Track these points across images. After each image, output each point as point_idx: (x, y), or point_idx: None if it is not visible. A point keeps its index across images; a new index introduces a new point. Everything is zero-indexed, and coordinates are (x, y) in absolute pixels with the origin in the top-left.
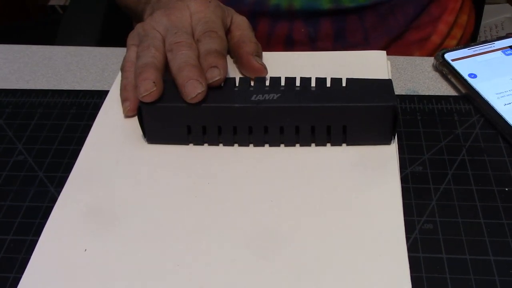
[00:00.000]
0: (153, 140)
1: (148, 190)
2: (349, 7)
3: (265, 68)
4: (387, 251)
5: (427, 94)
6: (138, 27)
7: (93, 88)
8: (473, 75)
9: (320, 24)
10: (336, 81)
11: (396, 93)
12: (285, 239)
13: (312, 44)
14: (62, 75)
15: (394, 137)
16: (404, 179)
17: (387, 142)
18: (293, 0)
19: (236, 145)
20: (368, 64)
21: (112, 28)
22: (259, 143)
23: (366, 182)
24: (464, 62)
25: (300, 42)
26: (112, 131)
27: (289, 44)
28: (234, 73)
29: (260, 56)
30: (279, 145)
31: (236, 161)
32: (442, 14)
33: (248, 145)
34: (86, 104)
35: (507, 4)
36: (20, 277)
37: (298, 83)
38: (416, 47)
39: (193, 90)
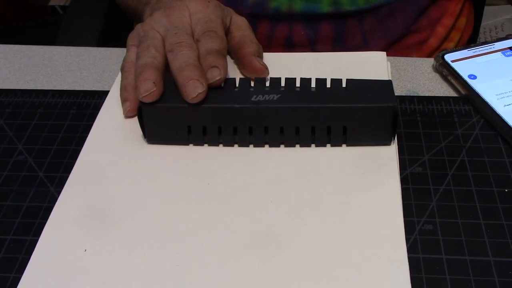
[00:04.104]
0: (153, 141)
1: (148, 190)
2: (348, 11)
3: (267, 69)
4: (386, 252)
5: (427, 95)
6: (138, 28)
7: (93, 89)
8: (473, 76)
9: (320, 27)
10: (336, 81)
11: (396, 94)
12: (285, 240)
13: (312, 46)
14: (62, 75)
15: (394, 138)
16: (404, 180)
17: (387, 143)
18: (293, 3)
19: (236, 145)
20: (368, 65)
21: (113, 29)
22: (259, 143)
23: (366, 183)
24: (464, 63)
25: (299, 45)
26: (112, 131)
27: (289, 47)
28: (234, 73)
29: (261, 57)
30: (279, 146)
31: (236, 161)
32: (442, 17)
33: (248, 146)
34: (86, 105)
35: (507, 6)
36: (20, 277)
37: (298, 84)
38: (414, 50)
39: (194, 90)
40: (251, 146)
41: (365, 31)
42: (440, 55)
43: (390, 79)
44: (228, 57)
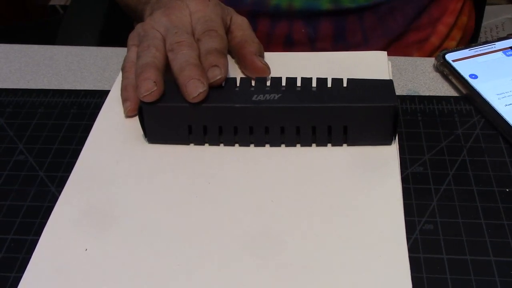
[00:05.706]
0: (154, 140)
1: (148, 190)
2: (349, 8)
3: (268, 68)
4: (387, 251)
5: (427, 94)
6: (138, 27)
7: (94, 88)
8: (474, 76)
9: (320, 24)
10: (337, 81)
11: (396, 93)
12: (286, 239)
13: (312, 44)
14: (63, 75)
15: (395, 138)
16: (404, 180)
17: (388, 142)
18: (293, 0)
19: (236, 145)
20: (369, 64)
21: (113, 28)
22: (259, 143)
23: (366, 183)
24: (465, 62)
25: (299, 43)
26: (113, 131)
27: (289, 45)
28: (235, 73)
29: (262, 56)
30: (279, 145)
31: (237, 161)
32: (442, 16)
33: (248, 145)
34: (87, 104)
35: (508, 5)
36: (21, 277)
37: (299, 83)
38: (415, 48)
39: (195, 89)
40: (252, 145)
41: (366, 28)
42: (441, 54)
43: (391, 78)
44: (229, 57)
